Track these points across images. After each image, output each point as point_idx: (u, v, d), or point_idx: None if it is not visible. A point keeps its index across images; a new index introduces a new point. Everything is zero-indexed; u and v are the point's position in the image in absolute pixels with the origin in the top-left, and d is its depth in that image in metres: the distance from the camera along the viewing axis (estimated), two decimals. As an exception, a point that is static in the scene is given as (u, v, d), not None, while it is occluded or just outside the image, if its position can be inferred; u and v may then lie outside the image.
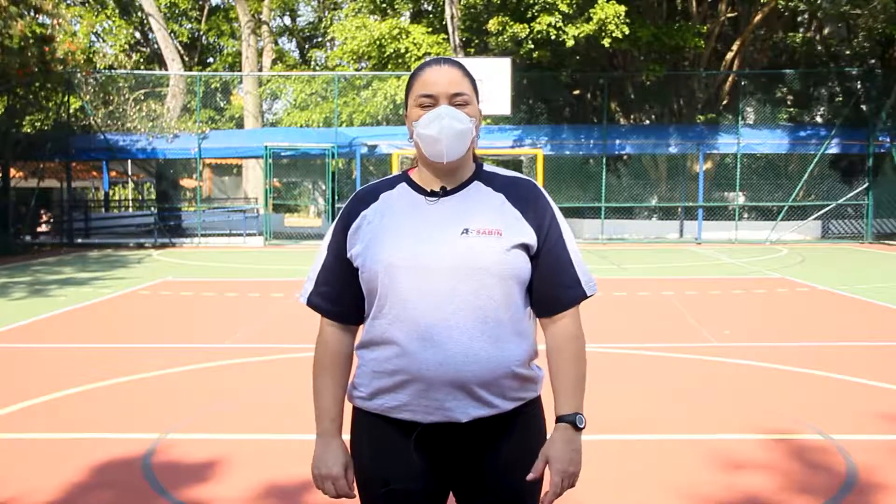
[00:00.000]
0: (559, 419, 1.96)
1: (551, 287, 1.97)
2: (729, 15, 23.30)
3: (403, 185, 2.03)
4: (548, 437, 1.99)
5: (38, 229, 23.77)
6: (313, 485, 2.04)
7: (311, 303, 2.06)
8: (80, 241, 21.88)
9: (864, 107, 23.00)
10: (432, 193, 1.98)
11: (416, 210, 1.97)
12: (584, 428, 1.96)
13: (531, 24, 19.35)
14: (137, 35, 35.20)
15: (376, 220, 1.97)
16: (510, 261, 1.91)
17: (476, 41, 23.05)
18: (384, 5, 24.31)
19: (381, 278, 1.91)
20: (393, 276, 1.89)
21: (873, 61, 24.33)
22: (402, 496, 1.95)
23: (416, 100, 1.96)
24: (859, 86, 23.79)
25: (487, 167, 2.06)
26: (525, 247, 1.94)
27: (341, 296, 2.02)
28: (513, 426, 1.96)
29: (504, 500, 1.98)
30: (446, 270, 1.88)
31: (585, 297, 2.00)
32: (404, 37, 22.08)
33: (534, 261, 1.97)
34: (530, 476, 1.92)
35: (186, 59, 33.92)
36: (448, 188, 1.98)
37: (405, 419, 1.93)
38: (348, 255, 1.99)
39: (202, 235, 22.11)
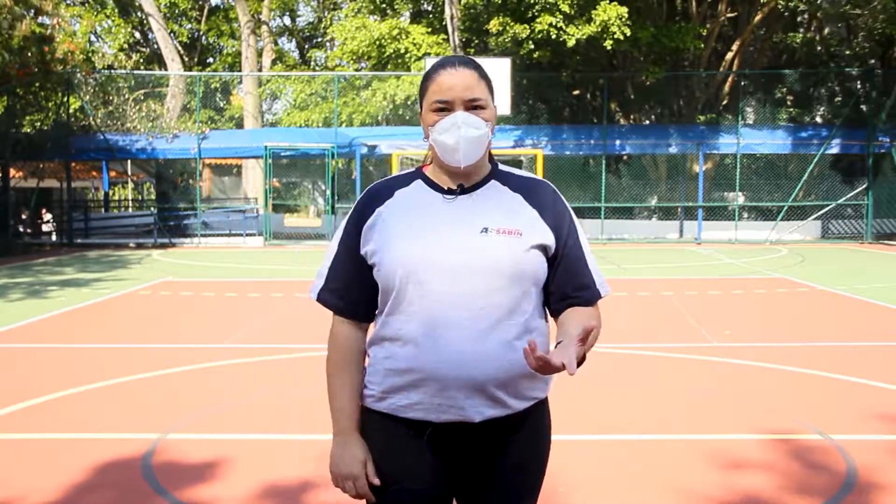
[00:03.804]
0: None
1: (570, 288, 1.97)
2: (729, 15, 23.30)
3: (419, 181, 2.01)
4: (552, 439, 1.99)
5: (36, 229, 23.77)
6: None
7: (321, 299, 2.03)
8: (79, 241, 21.87)
9: (864, 107, 22.99)
10: (449, 191, 1.96)
11: (433, 208, 1.95)
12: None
13: (532, 25, 19.34)
14: (137, 35, 35.22)
15: (392, 217, 1.95)
16: (529, 261, 1.90)
17: (476, 41, 23.05)
18: (384, 5, 24.32)
19: (399, 275, 1.88)
20: (411, 273, 1.87)
21: (873, 61, 24.33)
22: (412, 497, 1.94)
23: (431, 105, 1.93)
24: (859, 86, 23.79)
25: (503, 167, 2.05)
26: (543, 248, 1.93)
27: (352, 292, 1.99)
28: (522, 426, 1.96)
29: (506, 499, 1.97)
30: (465, 269, 1.87)
31: (600, 297, 2.01)
32: (404, 37, 22.08)
33: (551, 262, 1.96)
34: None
35: (186, 59, 33.94)
36: (465, 186, 1.97)
37: (416, 418, 1.91)
38: (362, 252, 1.96)
39: (202, 235, 22.11)
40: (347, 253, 2.00)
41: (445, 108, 1.91)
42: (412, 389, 1.90)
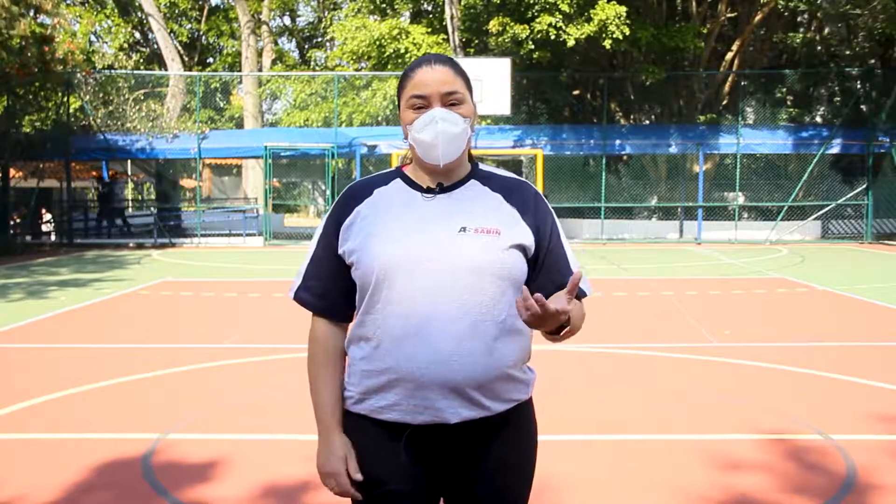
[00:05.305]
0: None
1: (553, 287, 1.94)
2: (729, 15, 23.30)
3: (398, 180, 2.00)
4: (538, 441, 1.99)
5: (36, 229, 23.74)
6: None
7: (297, 297, 2.04)
8: (79, 241, 21.87)
9: (864, 107, 22.99)
10: (428, 190, 1.95)
11: (412, 206, 1.93)
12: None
13: (531, 25, 19.35)
14: (137, 35, 35.21)
15: (371, 215, 1.94)
16: (507, 261, 1.88)
17: (476, 41, 23.05)
18: (384, 5, 24.31)
19: (375, 273, 1.87)
20: (387, 271, 1.86)
21: (873, 61, 24.33)
22: (395, 497, 1.93)
23: (409, 101, 1.92)
24: (859, 86, 23.78)
25: (483, 167, 2.03)
26: (522, 248, 1.92)
27: (329, 291, 1.99)
28: (503, 429, 1.94)
29: (493, 501, 1.95)
30: (442, 268, 1.85)
31: (584, 295, 1.98)
32: (404, 37, 22.07)
33: (531, 262, 1.94)
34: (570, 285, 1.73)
35: (186, 59, 33.93)
36: (444, 185, 1.96)
37: (394, 420, 1.90)
38: (340, 251, 1.95)
39: (202, 235, 22.11)
40: (325, 252, 1.99)
41: (423, 104, 1.90)
42: (388, 390, 1.89)
